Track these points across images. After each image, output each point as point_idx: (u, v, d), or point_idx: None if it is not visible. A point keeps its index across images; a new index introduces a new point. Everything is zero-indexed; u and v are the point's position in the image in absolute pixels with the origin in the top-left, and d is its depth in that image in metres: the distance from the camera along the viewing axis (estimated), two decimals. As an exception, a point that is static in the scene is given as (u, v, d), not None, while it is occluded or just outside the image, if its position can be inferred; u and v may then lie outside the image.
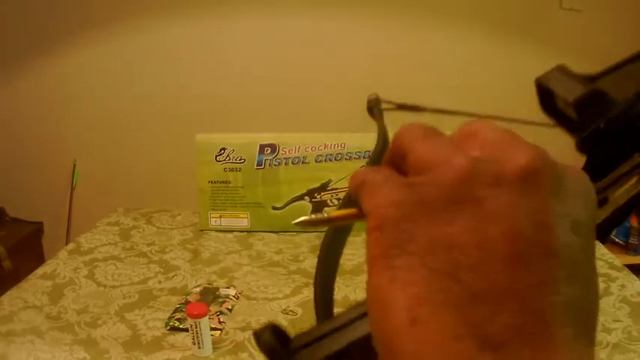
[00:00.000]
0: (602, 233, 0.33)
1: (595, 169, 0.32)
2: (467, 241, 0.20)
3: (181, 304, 1.32)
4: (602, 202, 0.31)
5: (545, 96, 0.34)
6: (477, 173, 0.20)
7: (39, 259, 2.28)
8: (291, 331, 0.27)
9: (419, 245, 0.20)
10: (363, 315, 0.28)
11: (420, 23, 2.31)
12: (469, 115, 0.37)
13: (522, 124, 0.39)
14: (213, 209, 1.78)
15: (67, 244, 1.92)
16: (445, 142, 0.22)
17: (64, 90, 2.49)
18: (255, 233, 1.75)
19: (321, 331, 0.27)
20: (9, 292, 1.39)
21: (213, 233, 1.76)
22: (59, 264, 1.54)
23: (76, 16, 2.39)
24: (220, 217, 1.78)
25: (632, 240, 2.34)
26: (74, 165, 2.55)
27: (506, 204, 0.20)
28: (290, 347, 0.27)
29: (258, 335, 0.27)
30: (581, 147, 0.33)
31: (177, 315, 1.27)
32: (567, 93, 0.31)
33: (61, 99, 2.51)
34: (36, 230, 2.61)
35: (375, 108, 0.37)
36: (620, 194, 0.32)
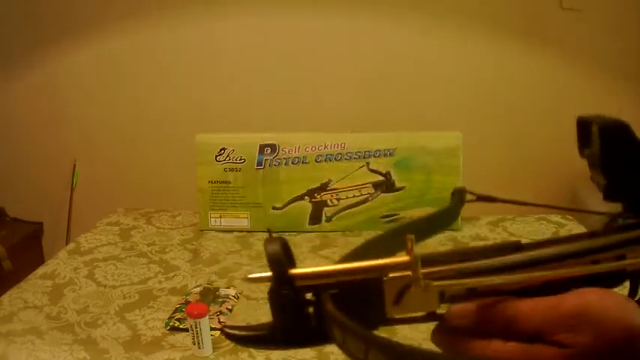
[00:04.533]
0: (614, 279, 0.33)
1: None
2: None
3: (181, 304, 1.31)
4: (618, 258, 0.32)
5: (584, 133, 0.35)
6: None
7: (39, 259, 2.28)
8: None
9: None
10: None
11: (420, 23, 2.31)
12: (538, 206, 0.40)
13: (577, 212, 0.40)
14: (213, 209, 1.78)
15: (67, 244, 1.92)
16: None
17: (63, 90, 2.49)
18: (255, 233, 1.75)
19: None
20: (9, 292, 1.39)
21: (213, 233, 1.76)
22: (59, 264, 1.54)
23: (76, 16, 2.39)
24: (220, 217, 1.78)
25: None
26: (74, 165, 2.55)
27: None
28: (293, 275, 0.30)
29: (269, 240, 0.30)
30: (607, 191, 0.33)
31: (178, 315, 1.27)
32: (597, 119, 0.33)
33: (61, 99, 2.50)
34: (36, 230, 2.60)
35: (456, 195, 0.41)
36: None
